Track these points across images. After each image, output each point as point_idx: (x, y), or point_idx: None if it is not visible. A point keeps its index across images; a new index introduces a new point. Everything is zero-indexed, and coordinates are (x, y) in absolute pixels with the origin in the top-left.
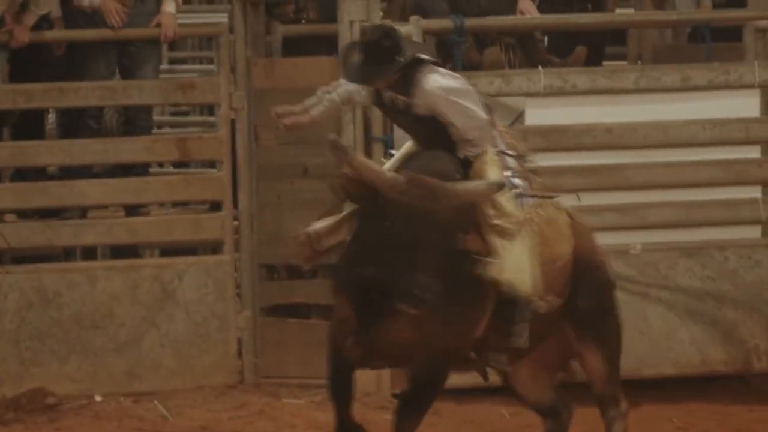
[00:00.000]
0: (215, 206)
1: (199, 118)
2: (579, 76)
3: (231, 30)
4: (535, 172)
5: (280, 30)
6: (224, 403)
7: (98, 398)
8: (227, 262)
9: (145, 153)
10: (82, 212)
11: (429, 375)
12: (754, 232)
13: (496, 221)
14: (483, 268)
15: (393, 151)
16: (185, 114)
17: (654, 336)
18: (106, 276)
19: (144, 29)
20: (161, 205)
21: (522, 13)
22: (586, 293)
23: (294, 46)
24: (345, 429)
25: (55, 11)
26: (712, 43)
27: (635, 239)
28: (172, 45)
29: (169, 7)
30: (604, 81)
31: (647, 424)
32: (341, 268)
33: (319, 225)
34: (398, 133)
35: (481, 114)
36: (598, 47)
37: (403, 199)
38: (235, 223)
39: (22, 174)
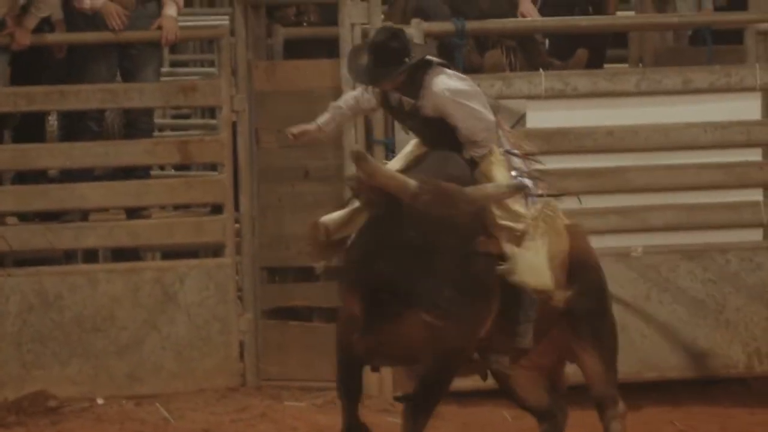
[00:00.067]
0: (216, 209)
1: (200, 121)
2: (580, 79)
3: (232, 33)
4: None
5: (282, 33)
6: (226, 405)
7: (100, 401)
8: (228, 265)
9: (147, 156)
10: (83, 215)
11: (437, 375)
12: (755, 235)
13: (505, 222)
14: (505, 272)
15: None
16: (186, 117)
17: (655, 339)
18: (108, 279)
19: (145, 32)
20: (162, 207)
21: (523, 15)
22: (582, 293)
23: (295, 49)
24: (352, 430)
25: (57, 14)
26: (713, 46)
27: (636, 242)
28: (174, 48)
29: (170, 11)
30: (605, 84)
31: (649, 427)
32: (351, 266)
33: (330, 218)
34: (399, 135)
35: (489, 115)
36: (599, 50)
37: (423, 206)
38: (237, 225)
39: (23, 177)
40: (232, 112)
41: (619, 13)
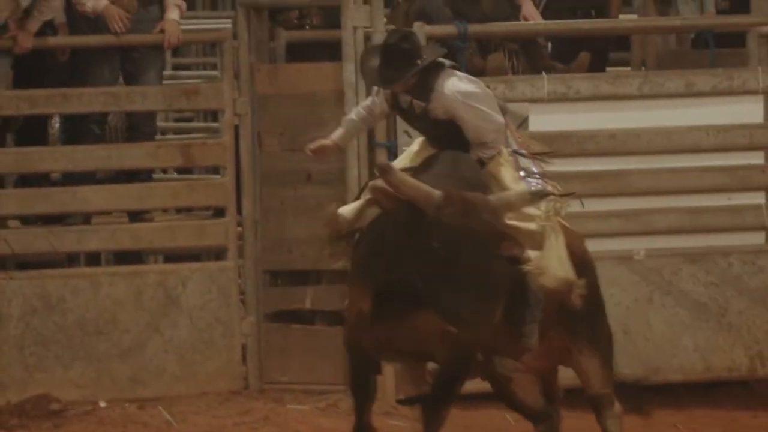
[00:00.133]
0: (219, 212)
1: (202, 124)
2: (582, 82)
3: (234, 36)
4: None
5: (284, 36)
6: (228, 409)
7: (102, 404)
8: (231, 268)
9: (149, 159)
10: (86, 218)
11: (456, 369)
12: (757, 238)
13: (520, 224)
14: (533, 274)
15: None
16: (189, 120)
17: (658, 342)
18: (110, 282)
19: (148, 35)
20: (165, 211)
21: (525, 19)
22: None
23: (297, 52)
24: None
25: (59, 17)
26: (715, 49)
27: (639, 245)
28: (176, 51)
29: (172, 15)
30: (607, 87)
31: (652, 430)
32: (362, 261)
33: (346, 209)
34: (402, 138)
35: (498, 118)
36: (601, 53)
37: (448, 218)
38: (239, 229)
39: (25, 180)
40: (234, 116)
41: (621, 17)
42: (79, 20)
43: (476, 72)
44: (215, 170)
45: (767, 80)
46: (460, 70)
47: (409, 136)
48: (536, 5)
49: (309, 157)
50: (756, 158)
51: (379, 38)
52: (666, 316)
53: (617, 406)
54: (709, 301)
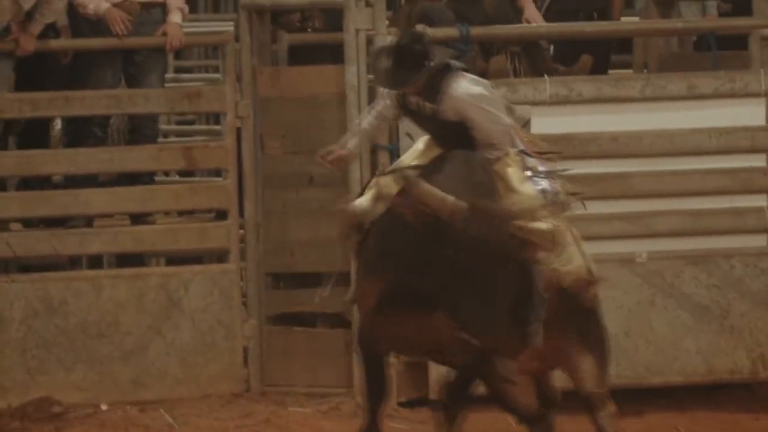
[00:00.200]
0: (221, 215)
1: (204, 127)
2: (584, 85)
3: (237, 39)
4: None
5: (286, 38)
6: (230, 411)
7: (104, 407)
8: (233, 271)
9: (151, 162)
10: (88, 221)
11: (470, 372)
12: (760, 241)
13: (532, 225)
14: (560, 275)
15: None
16: (191, 123)
17: (660, 344)
18: (112, 285)
19: (150, 38)
20: (167, 213)
21: (528, 21)
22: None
23: (300, 55)
24: None
25: (62, 20)
26: (717, 52)
27: (641, 247)
28: (178, 54)
29: (175, 18)
30: (609, 89)
31: None
32: (373, 256)
33: (359, 203)
34: (404, 141)
35: (506, 120)
36: (603, 56)
37: (472, 230)
38: (241, 231)
39: (27, 183)
40: (236, 118)
41: (623, 19)
42: (81, 23)
43: (478, 75)
44: (217, 173)
45: None
46: (469, 72)
47: (411, 138)
48: (538, 8)
49: (327, 168)
50: (758, 161)
51: (381, 40)
52: (668, 318)
53: (611, 406)
54: (711, 303)
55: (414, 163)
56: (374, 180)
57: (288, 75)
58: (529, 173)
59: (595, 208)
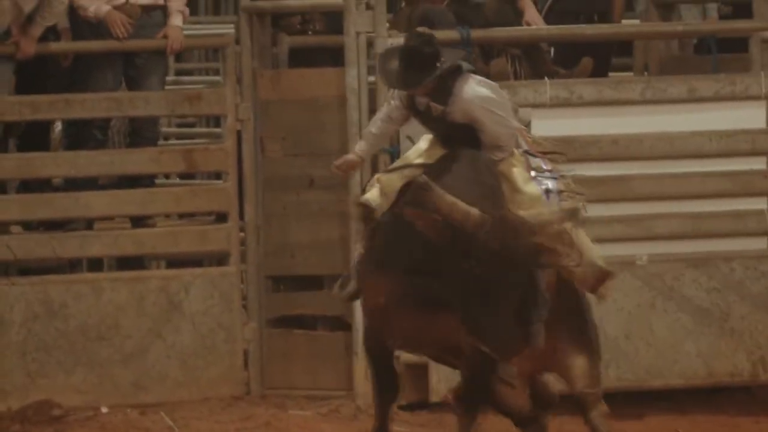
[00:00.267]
0: (221, 217)
1: (205, 130)
2: (585, 87)
3: (237, 41)
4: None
5: (287, 41)
6: (230, 414)
7: (104, 410)
8: (233, 274)
9: (152, 164)
10: (88, 224)
11: (482, 373)
12: (760, 244)
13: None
14: (582, 275)
15: None
16: (191, 125)
17: (660, 347)
18: (112, 287)
19: (150, 40)
20: (167, 216)
21: (528, 24)
22: (566, 290)
23: (300, 58)
24: None
25: (63, 22)
26: (718, 55)
27: (641, 250)
28: (179, 56)
29: (176, 21)
30: (610, 92)
31: None
32: (384, 258)
33: (372, 196)
34: (405, 144)
35: (513, 122)
36: (604, 58)
37: (487, 239)
38: (241, 234)
39: (27, 185)
40: (236, 121)
41: (624, 22)
42: (81, 25)
43: None
44: (218, 176)
45: None
46: (477, 74)
47: (412, 141)
48: (539, 10)
49: (337, 175)
50: (758, 164)
51: (382, 43)
52: (668, 321)
53: (603, 406)
54: (711, 306)
55: (418, 161)
56: (375, 177)
57: (288, 78)
58: (533, 173)
59: (596, 211)
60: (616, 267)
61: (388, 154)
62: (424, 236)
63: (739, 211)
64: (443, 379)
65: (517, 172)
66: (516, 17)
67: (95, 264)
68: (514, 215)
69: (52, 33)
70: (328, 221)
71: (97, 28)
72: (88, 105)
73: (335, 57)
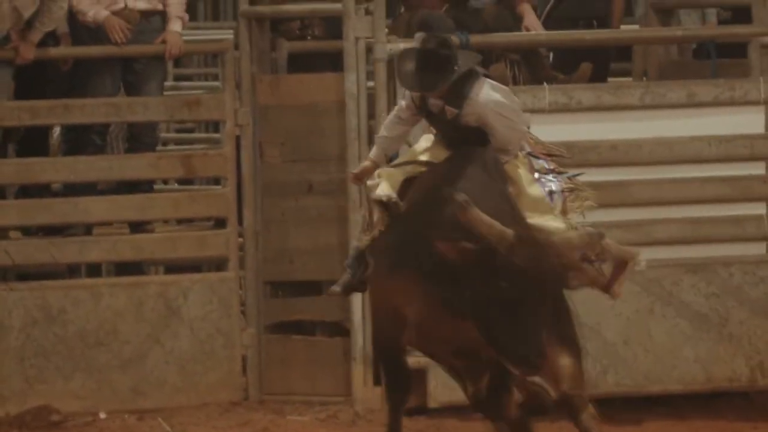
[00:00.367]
0: (220, 223)
1: (203, 135)
2: (584, 93)
3: (236, 47)
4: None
5: (286, 46)
6: (229, 420)
7: (103, 415)
8: (232, 279)
9: (150, 170)
10: (87, 229)
11: (503, 376)
12: (758, 249)
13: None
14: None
15: None
16: (190, 131)
17: (659, 352)
18: (111, 293)
19: (149, 46)
20: (166, 221)
21: (527, 29)
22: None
23: (299, 63)
24: None
25: (62, 27)
26: (717, 60)
27: (640, 255)
28: (178, 62)
29: (175, 26)
30: (609, 97)
31: None
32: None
33: (384, 190)
34: (403, 148)
35: (523, 126)
36: (603, 63)
37: (517, 259)
38: (240, 240)
39: (26, 191)
40: (235, 126)
41: (623, 27)
42: (81, 31)
43: None
44: (216, 181)
45: None
46: (490, 78)
47: (410, 146)
48: (538, 16)
49: (353, 183)
50: (757, 169)
51: (381, 48)
52: (667, 326)
53: (592, 408)
54: (709, 311)
55: (423, 158)
56: (377, 172)
57: (287, 83)
58: (536, 175)
59: (595, 216)
60: None
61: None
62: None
63: (738, 216)
64: (441, 385)
65: (522, 174)
66: (515, 22)
67: (94, 269)
68: (543, 235)
69: (51, 38)
70: (327, 227)
71: (96, 33)
72: (87, 110)
73: (334, 62)
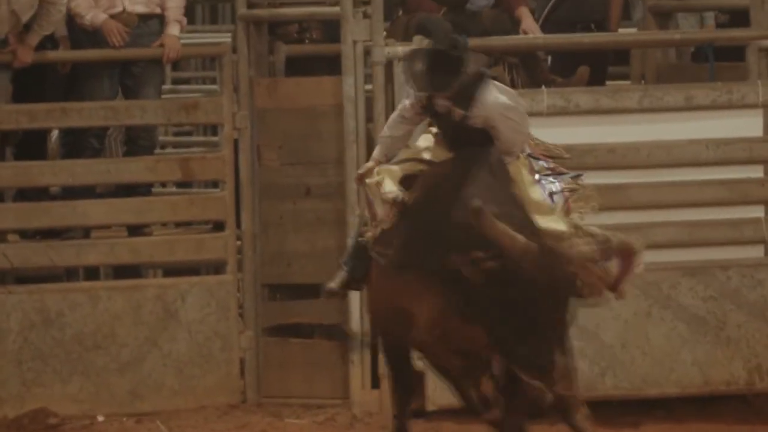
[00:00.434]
0: (218, 226)
1: (201, 138)
2: (582, 96)
3: (234, 50)
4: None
5: (283, 50)
6: (226, 423)
7: (100, 418)
8: (230, 282)
9: (148, 173)
10: (85, 232)
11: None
12: (756, 252)
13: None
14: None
15: None
16: (188, 134)
17: (656, 355)
18: (109, 296)
19: (147, 49)
20: (164, 225)
21: (525, 32)
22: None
23: (297, 66)
24: None
25: (61, 30)
26: (715, 63)
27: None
28: (175, 65)
29: (173, 30)
30: (607, 101)
31: None
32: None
33: (390, 187)
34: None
35: (527, 129)
36: (601, 67)
37: (530, 267)
38: (238, 243)
39: (24, 194)
40: (233, 130)
41: (621, 30)
42: (79, 34)
43: None
44: (214, 184)
45: (767, 94)
46: (497, 80)
47: (408, 146)
48: (535, 19)
49: (357, 184)
50: (755, 172)
51: (379, 52)
52: (664, 329)
53: (585, 408)
54: (707, 314)
55: (424, 156)
56: (376, 169)
57: (285, 86)
58: (537, 176)
59: (593, 219)
60: None
61: None
62: (448, 242)
63: (736, 219)
64: (439, 388)
65: (524, 175)
66: (513, 26)
67: (92, 272)
68: (562, 247)
69: (49, 41)
70: (325, 230)
71: (94, 36)
72: (85, 114)
73: (332, 65)
